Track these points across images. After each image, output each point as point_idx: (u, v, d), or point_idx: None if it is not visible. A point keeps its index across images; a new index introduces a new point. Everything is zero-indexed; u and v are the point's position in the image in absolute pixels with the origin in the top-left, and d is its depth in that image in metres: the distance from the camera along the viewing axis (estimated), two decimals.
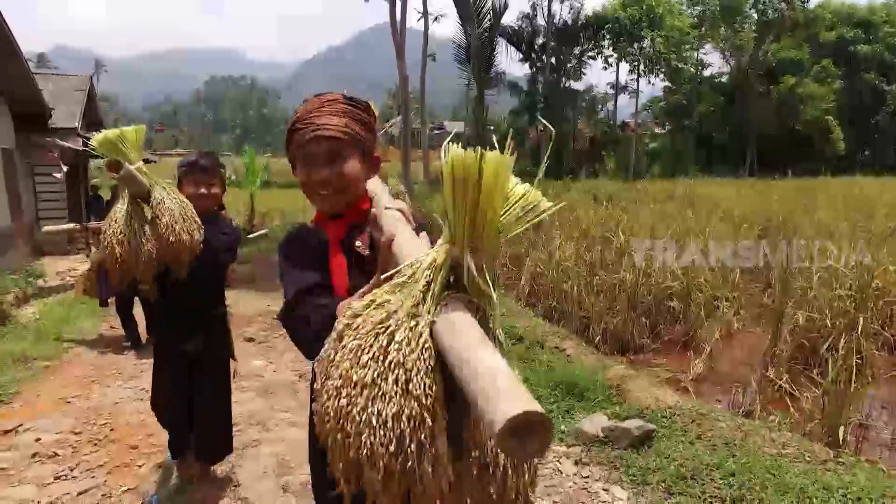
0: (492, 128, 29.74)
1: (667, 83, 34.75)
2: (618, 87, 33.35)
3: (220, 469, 3.06)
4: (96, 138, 2.36)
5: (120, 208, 2.42)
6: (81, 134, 13.53)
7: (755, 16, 33.44)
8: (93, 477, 3.16)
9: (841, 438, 3.13)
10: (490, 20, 27.72)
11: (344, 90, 1.33)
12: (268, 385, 4.52)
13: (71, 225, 5.60)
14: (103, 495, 2.96)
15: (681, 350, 5.41)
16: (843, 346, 3.98)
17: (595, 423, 3.26)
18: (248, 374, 4.86)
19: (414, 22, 22.04)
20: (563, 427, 3.43)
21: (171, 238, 2.33)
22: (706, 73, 36.76)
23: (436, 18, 22.82)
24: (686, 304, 5.80)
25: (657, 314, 5.66)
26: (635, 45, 30.74)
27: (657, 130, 39.40)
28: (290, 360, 5.38)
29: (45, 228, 5.96)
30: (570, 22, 30.29)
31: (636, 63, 31.69)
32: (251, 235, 15.08)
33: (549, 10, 29.42)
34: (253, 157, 19.12)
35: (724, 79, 37.08)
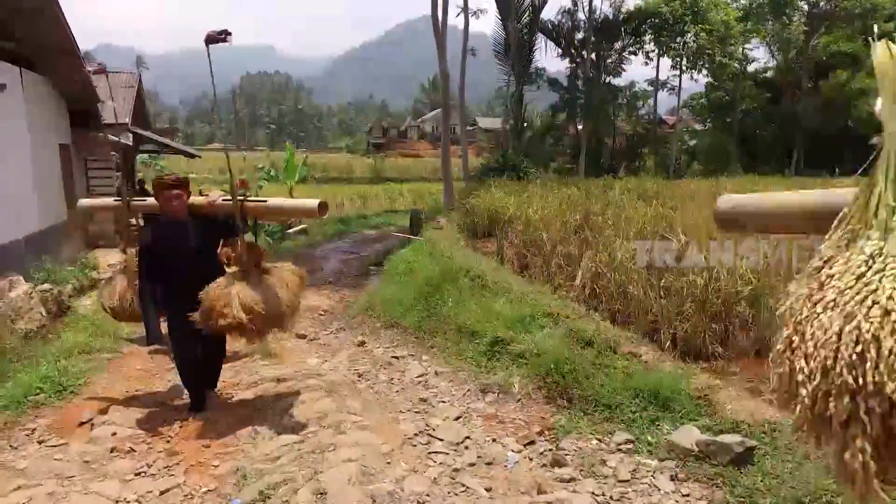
0: (525, 124, 29.28)
1: (709, 79, 33.69)
2: (658, 83, 32.51)
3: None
4: None
5: None
6: (132, 129, 13.84)
7: (805, 7, 32.13)
8: (171, 475, 3.13)
9: None
10: (529, 15, 27.30)
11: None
12: (331, 385, 4.45)
13: (109, 200, 5.34)
14: (185, 496, 2.92)
15: (753, 358, 5.14)
16: None
17: (688, 436, 3.08)
18: (308, 372, 4.82)
19: (452, 18, 21.84)
20: (649, 438, 3.26)
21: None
22: (750, 68, 35.52)
23: (475, 14, 22.46)
24: (756, 310, 5.52)
25: (727, 320, 5.40)
26: (678, 40, 29.86)
27: (697, 127, 38.32)
28: (344, 359, 5.31)
29: (81, 202, 5.59)
30: (611, 16, 29.63)
31: (678, 58, 30.80)
32: (290, 231, 15.15)
33: (591, 4, 28.83)
34: (292, 153, 19.35)
35: (768, 74, 35.80)
